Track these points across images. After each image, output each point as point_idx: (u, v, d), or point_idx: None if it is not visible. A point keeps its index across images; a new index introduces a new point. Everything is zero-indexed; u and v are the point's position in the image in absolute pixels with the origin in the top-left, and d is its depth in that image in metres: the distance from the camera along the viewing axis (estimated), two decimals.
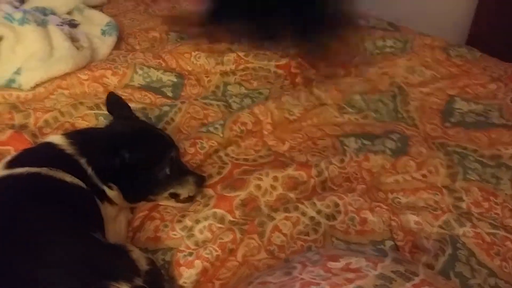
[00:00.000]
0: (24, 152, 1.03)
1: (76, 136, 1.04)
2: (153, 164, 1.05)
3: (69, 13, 1.91)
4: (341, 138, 1.34)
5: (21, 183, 0.91)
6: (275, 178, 1.15)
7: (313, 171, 1.18)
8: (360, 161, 1.23)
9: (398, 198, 1.16)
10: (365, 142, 1.32)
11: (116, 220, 1.06)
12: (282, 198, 1.13)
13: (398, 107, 1.51)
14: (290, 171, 1.17)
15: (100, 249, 0.86)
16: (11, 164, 0.96)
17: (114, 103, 1.22)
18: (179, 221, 1.08)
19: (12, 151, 1.22)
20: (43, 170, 0.93)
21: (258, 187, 1.13)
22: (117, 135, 1.06)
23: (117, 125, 1.13)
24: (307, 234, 1.03)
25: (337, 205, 1.07)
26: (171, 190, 1.09)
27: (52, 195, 0.91)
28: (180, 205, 1.12)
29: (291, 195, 1.13)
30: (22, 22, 1.51)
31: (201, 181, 1.13)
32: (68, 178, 0.95)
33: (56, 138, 1.03)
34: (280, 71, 1.70)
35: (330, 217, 1.06)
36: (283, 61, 1.72)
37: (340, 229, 1.04)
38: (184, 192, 1.10)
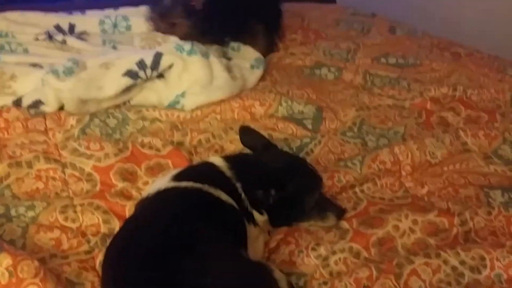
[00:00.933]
0: (188, 168, 1.16)
1: (234, 161, 1.14)
2: (301, 198, 1.11)
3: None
4: (486, 189, 1.29)
5: (185, 196, 1.03)
6: (415, 222, 1.14)
7: (456, 220, 1.14)
8: (509, 216, 1.16)
9: None
10: None
11: (256, 240, 1.13)
12: (420, 242, 1.11)
13: None
14: (431, 216, 1.15)
15: (250, 266, 0.93)
16: (177, 177, 1.09)
17: (248, 134, 1.29)
18: (314, 249, 1.11)
19: (170, 165, 1.38)
20: (204, 187, 1.04)
21: (396, 228, 1.13)
22: (271, 169, 1.13)
23: (271, 156, 1.20)
24: (449, 284, 0.99)
25: (483, 258, 1.02)
26: (312, 222, 1.15)
27: (210, 209, 1.01)
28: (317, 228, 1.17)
29: (431, 241, 1.11)
30: (190, 52, 1.71)
31: (341, 214, 1.17)
32: (224, 196, 1.05)
33: (217, 160, 1.14)
34: (414, 108, 1.70)
35: (475, 269, 1.01)
36: (418, 99, 1.73)
37: (485, 285, 0.99)
38: (326, 224, 1.15)
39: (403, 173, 1.37)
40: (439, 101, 1.75)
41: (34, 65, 1.83)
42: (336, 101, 1.76)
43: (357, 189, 1.32)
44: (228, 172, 1.10)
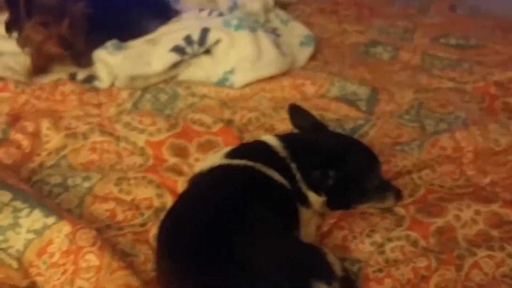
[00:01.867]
0: (241, 146, 1.15)
1: (289, 140, 1.11)
2: (362, 178, 1.07)
3: (269, 21, 2.06)
4: None
5: (238, 174, 1.02)
6: (477, 212, 1.09)
7: None
8: None
9: None
10: None
11: (309, 223, 1.10)
12: (482, 234, 1.06)
13: None
14: (495, 207, 1.09)
15: (303, 247, 0.91)
16: (230, 155, 1.08)
17: (298, 113, 1.25)
18: (368, 236, 1.08)
19: (220, 142, 1.37)
20: (257, 165, 1.02)
21: (457, 217, 1.08)
22: (328, 148, 1.10)
23: (325, 136, 1.17)
24: None
25: None
26: (371, 204, 1.11)
27: (263, 189, 1.00)
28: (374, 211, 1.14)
29: (494, 233, 1.05)
30: (237, 27, 1.67)
31: (399, 196, 1.13)
32: (277, 176, 1.03)
33: (270, 139, 1.12)
34: (477, 93, 1.61)
35: None
36: (481, 83, 1.64)
37: None
38: (384, 205, 1.12)
39: (465, 160, 1.30)
40: (504, 85, 1.64)
41: None
42: (392, 82, 1.69)
43: (414, 175, 1.26)
44: (283, 152, 1.07)
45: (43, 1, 1.56)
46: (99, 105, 1.54)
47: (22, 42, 1.63)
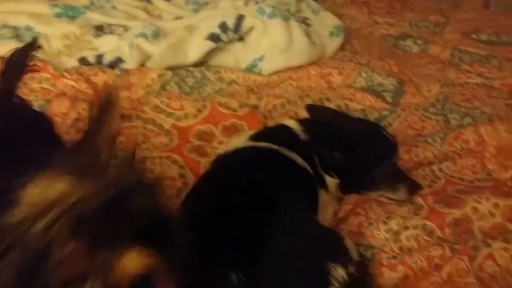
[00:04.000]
0: (265, 129, 1.17)
1: (309, 124, 1.13)
2: (373, 164, 1.09)
3: (300, 11, 2.07)
4: None
5: (262, 156, 1.05)
6: (496, 205, 1.09)
7: None
8: None
9: None
10: None
11: (326, 208, 1.12)
12: (499, 227, 1.06)
13: None
14: None
15: (322, 231, 0.94)
16: (254, 138, 1.11)
17: (316, 110, 1.25)
18: (385, 223, 1.09)
19: (245, 126, 1.40)
20: (281, 149, 1.05)
21: (475, 209, 1.08)
22: (343, 131, 1.10)
23: (345, 121, 1.18)
24: None
25: None
26: (382, 192, 1.12)
27: (286, 172, 1.02)
28: (389, 201, 1.14)
29: (511, 226, 1.05)
30: (271, 15, 1.70)
31: (414, 189, 1.13)
32: (299, 160, 1.05)
33: (292, 123, 1.14)
34: (505, 89, 1.59)
35: None
36: (509, 79, 1.64)
37: None
38: (396, 197, 1.12)
39: (487, 154, 1.29)
40: None
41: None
42: (419, 75, 1.69)
43: (435, 167, 1.26)
44: (302, 135, 1.10)
45: None
46: (128, 87, 1.59)
47: None
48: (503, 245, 0.99)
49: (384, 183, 1.12)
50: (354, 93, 1.55)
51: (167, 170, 1.24)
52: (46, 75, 1.55)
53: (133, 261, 0.52)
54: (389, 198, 1.13)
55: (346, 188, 1.12)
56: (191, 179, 1.21)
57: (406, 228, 1.06)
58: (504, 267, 0.96)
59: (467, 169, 1.26)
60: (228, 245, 0.86)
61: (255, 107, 1.50)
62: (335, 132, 1.10)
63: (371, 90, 1.58)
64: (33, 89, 1.50)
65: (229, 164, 1.06)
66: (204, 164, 1.25)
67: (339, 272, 0.84)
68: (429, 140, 1.31)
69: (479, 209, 1.08)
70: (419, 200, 1.13)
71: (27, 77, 1.50)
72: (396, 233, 1.06)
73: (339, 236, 0.94)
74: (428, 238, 1.04)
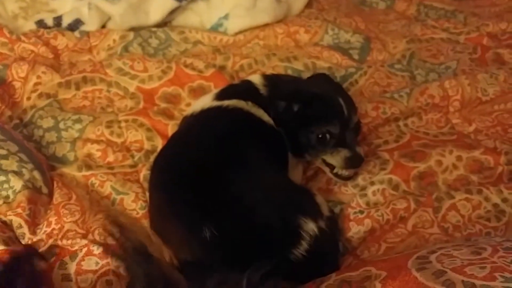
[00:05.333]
0: (229, 86, 1.16)
1: (271, 79, 1.13)
2: (313, 126, 1.04)
3: None
4: None
5: (228, 114, 1.04)
6: (459, 158, 1.12)
7: (503, 159, 1.11)
8: None
9: None
10: None
11: (296, 167, 1.13)
12: (462, 179, 1.09)
13: None
14: (477, 153, 1.12)
15: (292, 186, 0.94)
16: (219, 96, 1.09)
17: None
18: (353, 179, 1.11)
19: (212, 87, 1.38)
20: (248, 106, 1.04)
21: (439, 163, 1.11)
22: (298, 87, 1.10)
23: (309, 80, 1.18)
24: (488, 220, 0.98)
25: None
26: (323, 157, 1.07)
27: (253, 130, 1.02)
28: (334, 178, 1.09)
29: (474, 178, 1.09)
30: None
31: (354, 162, 1.05)
32: (266, 117, 1.05)
33: (255, 77, 1.14)
34: (469, 43, 1.61)
35: None
36: (474, 34, 1.65)
37: None
38: (333, 163, 1.06)
39: (451, 109, 1.32)
40: (497, 37, 1.65)
41: None
42: (385, 32, 1.69)
43: (401, 123, 1.28)
44: (263, 89, 1.10)
45: None
46: (90, 50, 1.54)
47: None
48: (466, 196, 1.02)
49: (324, 148, 1.05)
50: (321, 51, 1.54)
51: (134, 133, 1.22)
52: (2, 39, 1.50)
53: None
54: (333, 174, 1.08)
55: (291, 148, 1.07)
56: (159, 142, 1.21)
57: (372, 183, 1.08)
58: (467, 217, 1.00)
59: (431, 123, 1.28)
60: (200, 202, 0.87)
61: (222, 67, 1.47)
62: (291, 87, 1.09)
63: (338, 47, 1.58)
64: None
65: (197, 124, 1.05)
66: (172, 126, 1.24)
67: (310, 226, 0.85)
68: (396, 96, 1.32)
69: (443, 162, 1.11)
70: (385, 155, 1.15)
71: None
72: (363, 188, 1.08)
73: (310, 192, 0.95)
74: (393, 192, 1.07)
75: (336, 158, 1.05)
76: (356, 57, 1.56)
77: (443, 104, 1.32)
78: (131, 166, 1.15)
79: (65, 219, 0.96)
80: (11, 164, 1.01)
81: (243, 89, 1.12)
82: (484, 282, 0.58)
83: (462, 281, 0.59)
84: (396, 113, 1.28)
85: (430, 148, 1.15)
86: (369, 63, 1.51)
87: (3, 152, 1.02)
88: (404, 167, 1.11)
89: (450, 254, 0.68)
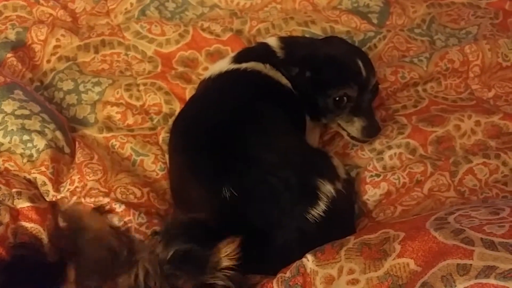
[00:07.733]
0: (246, 49, 1.16)
1: (288, 42, 1.12)
2: (329, 89, 1.04)
3: None
4: None
5: (245, 77, 1.04)
6: (477, 123, 1.11)
7: None
8: None
9: None
10: None
11: (313, 131, 1.14)
12: (480, 144, 1.09)
13: None
14: (495, 119, 1.12)
15: (311, 149, 0.95)
16: (237, 59, 1.09)
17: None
18: (369, 143, 1.12)
19: (230, 52, 1.37)
20: (266, 69, 1.04)
21: (458, 127, 1.11)
22: (314, 52, 1.08)
23: (327, 42, 1.16)
24: (505, 184, 0.99)
25: None
26: (339, 122, 1.08)
27: (271, 92, 1.02)
28: (351, 140, 1.10)
29: (492, 143, 1.09)
30: None
31: (370, 132, 1.06)
32: (284, 80, 1.05)
33: (272, 40, 1.13)
34: (491, 8, 1.57)
35: None
36: None
37: None
38: (349, 130, 1.07)
39: (471, 74, 1.30)
40: None
41: None
42: None
43: (419, 88, 1.27)
44: (280, 52, 1.09)
45: None
46: (108, 13, 1.53)
47: None
48: (483, 160, 1.02)
49: (341, 114, 1.05)
50: (339, 15, 1.52)
51: (152, 96, 1.23)
52: (21, 2, 1.49)
53: None
54: (350, 137, 1.09)
55: (308, 111, 1.08)
56: (178, 105, 1.22)
57: (389, 147, 1.09)
58: (484, 181, 1.00)
59: (450, 89, 1.27)
60: (219, 163, 0.89)
61: (239, 31, 1.46)
62: (305, 51, 1.08)
63: (356, 11, 1.54)
64: (9, 17, 1.44)
65: (215, 88, 1.06)
66: (189, 90, 1.24)
67: (327, 188, 0.87)
68: (415, 60, 1.31)
69: (461, 127, 1.11)
70: (403, 119, 1.15)
71: (0, 5, 1.47)
72: (380, 152, 1.09)
73: (327, 155, 0.96)
74: (410, 156, 1.07)
75: (352, 128, 1.07)
76: (375, 21, 1.53)
77: (463, 69, 1.30)
78: (150, 129, 1.17)
79: (87, 177, 0.99)
80: (34, 124, 1.03)
81: (261, 52, 1.11)
82: (503, 240, 0.59)
83: (481, 238, 0.60)
84: (415, 77, 1.27)
85: (449, 113, 1.15)
86: (388, 28, 1.49)
87: (26, 112, 1.04)
88: (422, 131, 1.10)
89: (468, 214, 0.69)
